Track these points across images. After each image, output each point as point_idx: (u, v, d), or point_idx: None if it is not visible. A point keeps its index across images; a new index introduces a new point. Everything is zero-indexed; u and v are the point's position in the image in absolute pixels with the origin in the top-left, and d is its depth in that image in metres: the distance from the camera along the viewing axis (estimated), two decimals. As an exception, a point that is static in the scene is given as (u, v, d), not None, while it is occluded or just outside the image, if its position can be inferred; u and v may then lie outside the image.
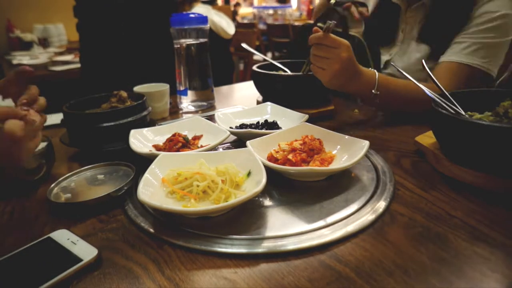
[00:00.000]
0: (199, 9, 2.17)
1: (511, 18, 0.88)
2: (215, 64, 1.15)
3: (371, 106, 0.94)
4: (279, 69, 1.08)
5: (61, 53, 2.77)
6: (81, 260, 0.43)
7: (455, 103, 0.63)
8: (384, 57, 1.10)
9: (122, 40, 1.56)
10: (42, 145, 0.66)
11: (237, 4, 7.21)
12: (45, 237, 0.47)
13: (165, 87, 1.02)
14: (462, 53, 0.89)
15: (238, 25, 4.36)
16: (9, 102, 0.55)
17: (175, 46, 1.04)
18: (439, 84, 0.67)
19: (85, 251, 0.44)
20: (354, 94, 0.90)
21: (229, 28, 2.27)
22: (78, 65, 2.17)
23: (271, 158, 0.63)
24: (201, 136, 0.78)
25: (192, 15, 1.01)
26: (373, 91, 0.81)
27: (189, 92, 1.06)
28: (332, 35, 0.75)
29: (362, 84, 0.82)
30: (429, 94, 0.63)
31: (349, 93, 0.90)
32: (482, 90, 0.68)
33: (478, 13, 0.90)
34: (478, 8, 0.90)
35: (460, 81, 0.87)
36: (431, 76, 0.69)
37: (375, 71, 0.84)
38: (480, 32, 0.88)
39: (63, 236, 0.47)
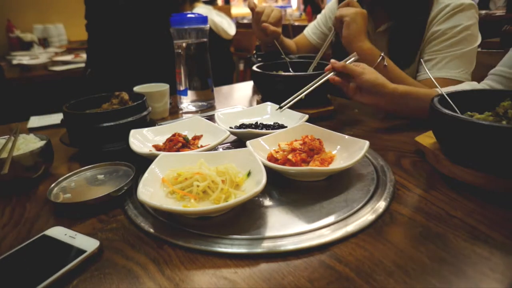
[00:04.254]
0: (200, 9, 2.18)
1: (473, 28, 0.94)
2: (215, 64, 1.15)
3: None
4: (279, 68, 1.08)
5: (61, 53, 2.77)
6: (84, 251, 0.44)
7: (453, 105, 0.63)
8: None
9: (125, 40, 1.57)
10: (41, 144, 0.67)
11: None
12: (40, 235, 0.47)
13: (165, 87, 1.02)
14: (435, 69, 0.95)
15: (238, 25, 4.35)
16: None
17: (175, 46, 1.04)
18: (437, 85, 0.68)
19: (87, 243, 0.45)
20: (363, 55, 0.92)
21: (230, 28, 2.28)
22: (78, 65, 2.18)
23: (271, 158, 0.63)
24: (201, 136, 0.78)
25: (192, 15, 1.01)
26: (382, 54, 0.90)
27: (189, 92, 1.06)
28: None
29: (367, 47, 0.94)
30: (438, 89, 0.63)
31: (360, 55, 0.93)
32: (482, 90, 0.68)
33: (433, 31, 0.97)
34: (432, 27, 0.97)
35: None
36: (430, 77, 0.71)
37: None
38: (448, 47, 0.94)
39: (59, 232, 0.48)
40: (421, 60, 0.88)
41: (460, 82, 0.92)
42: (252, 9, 1.10)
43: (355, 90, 0.82)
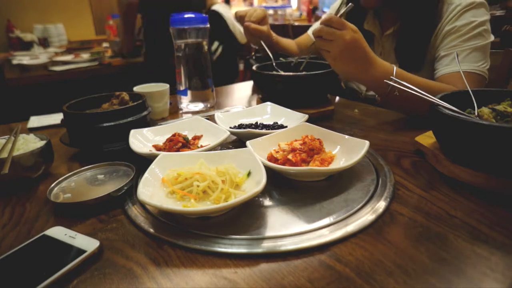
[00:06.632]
0: (220, 7, 2.18)
1: (487, 24, 0.92)
2: (220, 65, 1.16)
3: (387, 104, 0.93)
4: (279, 68, 1.08)
5: (61, 53, 2.77)
6: (84, 251, 0.44)
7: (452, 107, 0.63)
8: None
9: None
10: (41, 143, 0.67)
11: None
12: (40, 235, 0.47)
13: (165, 87, 1.02)
14: (453, 63, 0.91)
15: (238, 25, 4.35)
16: None
17: (175, 46, 1.04)
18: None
19: (87, 243, 0.45)
20: (369, 86, 0.88)
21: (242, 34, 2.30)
22: (78, 65, 2.18)
23: (271, 158, 0.63)
24: (201, 136, 0.78)
25: (191, 15, 1.01)
26: (390, 82, 0.77)
27: (189, 92, 1.06)
28: (339, 18, 0.75)
29: (377, 74, 0.80)
30: (427, 97, 0.63)
31: (365, 85, 0.89)
32: (482, 90, 0.68)
33: (447, 30, 0.94)
34: (445, 27, 0.95)
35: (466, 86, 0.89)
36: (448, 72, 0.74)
37: (393, 65, 0.83)
38: (465, 41, 0.92)
39: (60, 232, 0.48)
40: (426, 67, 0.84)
41: (481, 76, 0.90)
42: (236, 17, 1.14)
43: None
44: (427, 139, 0.69)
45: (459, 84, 0.85)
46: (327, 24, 0.75)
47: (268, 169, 0.55)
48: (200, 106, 1.09)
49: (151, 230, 0.49)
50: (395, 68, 0.81)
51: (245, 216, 0.51)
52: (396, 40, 1.05)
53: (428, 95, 0.62)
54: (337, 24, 0.75)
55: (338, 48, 0.75)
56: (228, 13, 2.19)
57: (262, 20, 1.13)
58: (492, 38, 0.94)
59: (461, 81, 0.86)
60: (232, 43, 2.22)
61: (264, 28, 1.13)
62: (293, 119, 0.81)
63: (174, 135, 0.73)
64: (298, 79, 0.93)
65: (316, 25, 1.37)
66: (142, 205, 0.55)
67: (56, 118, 1.02)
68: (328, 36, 0.76)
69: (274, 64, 1.08)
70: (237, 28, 2.17)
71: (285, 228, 0.48)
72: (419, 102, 0.65)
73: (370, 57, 0.80)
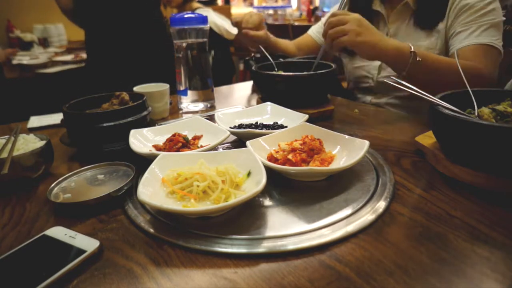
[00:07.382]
0: (199, 11, 2.19)
1: (497, 2, 0.96)
2: (216, 65, 1.16)
3: (410, 78, 0.89)
4: (279, 68, 1.08)
5: (61, 53, 2.77)
6: (84, 251, 0.44)
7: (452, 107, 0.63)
8: (376, 63, 1.14)
9: (118, 37, 1.59)
10: (41, 144, 0.67)
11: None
12: (40, 234, 0.47)
13: (165, 87, 1.02)
14: (472, 36, 0.94)
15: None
16: None
17: (175, 46, 1.04)
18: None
19: (87, 243, 0.45)
20: (391, 56, 0.89)
21: (232, 28, 2.29)
22: (78, 65, 2.18)
23: (271, 158, 0.63)
24: (201, 136, 0.78)
25: (192, 15, 1.01)
26: (411, 48, 0.85)
27: (189, 92, 1.06)
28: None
29: (396, 44, 0.87)
30: (427, 97, 0.63)
31: (386, 60, 0.91)
32: (482, 90, 0.68)
33: (461, 6, 0.97)
34: (460, 2, 0.98)
35: (485, 59, 0.92)
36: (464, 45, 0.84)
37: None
38: (481, 17, 0.94)
39: (60, 232, 0.48)
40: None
41: (498, 50, 0.93)
42: (233, 23, 1.17)
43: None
44: (427, 139, 0.69)
45: (477, 57, 0.89)
46: (334, 14, 0.86)
47: (268, 169, 0.55)
48: (200, 106, 1.09)
49: (151, 230, 0.49)
50: (410, 45, 0.86)
51: (245, 216, 0.51)
52: (406, 12, 1.07)
53: (428, 95, 0.62)
54: (341, 12, 0.86)
55: (356, 23, 0.84)
56: (209, 15, 2.23)
57: (258, 26, 1.14)
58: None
59: (480, 53, 0.90)
60: (221, 43, 2.24)
61: (262, 33, 1.15)
62: (293, 119, 0.81)
63: (174, 135, 0.73)
64: (298, 79, 0.93)
65: (315, 26, 1.37)
66: (142, 205, 0.55)
67: (56, 118, 1.02)
68: (340, 21, 0.84)
69: (274, 65, 1.08)
70: (222, 28, 2.19)
71: (285, 228, 0.48)
72: (446, 68, 0.72)
73: (380, 32, 0.88)
